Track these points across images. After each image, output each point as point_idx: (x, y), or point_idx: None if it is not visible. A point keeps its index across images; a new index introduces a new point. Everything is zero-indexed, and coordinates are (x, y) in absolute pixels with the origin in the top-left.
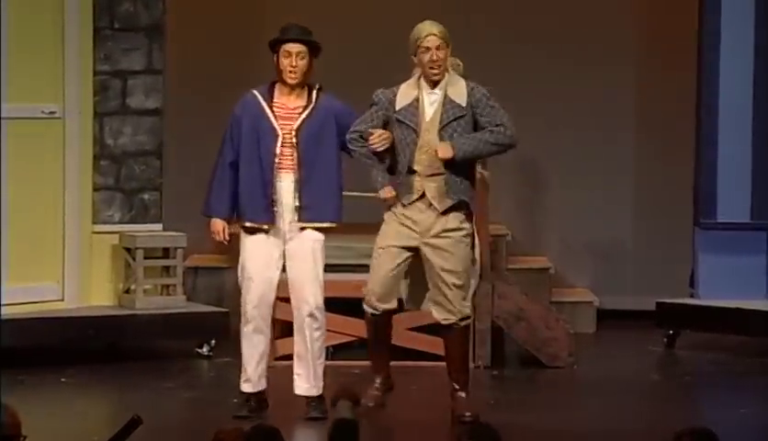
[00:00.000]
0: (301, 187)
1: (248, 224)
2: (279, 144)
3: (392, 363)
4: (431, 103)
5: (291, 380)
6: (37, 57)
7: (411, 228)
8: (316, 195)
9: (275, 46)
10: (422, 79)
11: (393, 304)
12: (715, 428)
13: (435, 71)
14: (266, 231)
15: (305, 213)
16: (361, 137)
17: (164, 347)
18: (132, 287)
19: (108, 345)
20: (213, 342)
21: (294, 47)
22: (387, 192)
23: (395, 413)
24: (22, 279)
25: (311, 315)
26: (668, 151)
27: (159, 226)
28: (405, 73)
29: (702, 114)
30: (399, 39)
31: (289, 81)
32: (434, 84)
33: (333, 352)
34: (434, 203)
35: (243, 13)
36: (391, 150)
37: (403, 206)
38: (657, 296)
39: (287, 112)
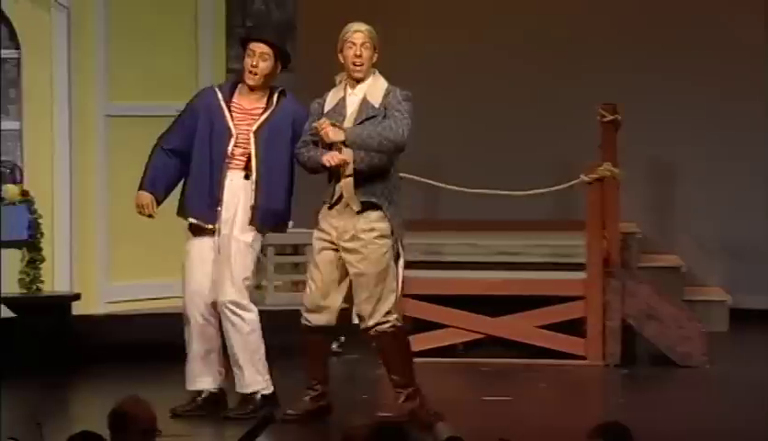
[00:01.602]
0: (258, 192)
1: (191, 221)
2: (232, 145)
3: (523, 361)
4: (351, 102)
5: (418, 376)
6: (171, 56)
7: (323, 238)
8: (270, 197)
9: (244, 44)
10: (346, 82)
11: (324, 320)
12: None
13: (358, 67)
14: (209, 232)
15: (259, 214)
16: (304, 144)
17: (294, 343)
18: (263, 283)
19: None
20: (342, 338)
21: (258, 47)
22: (333, 156)
23: (525, 412)
24: (155, 275)
25: (227, 308)
26: None
27: (289, 223)
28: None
29: None
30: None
31: (248, 81)
32: (355, 83)
33: (464, 349)
34: (350, 203)
35: (374, 11)
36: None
37: (328, 209)
38: None
39: (242, 112)
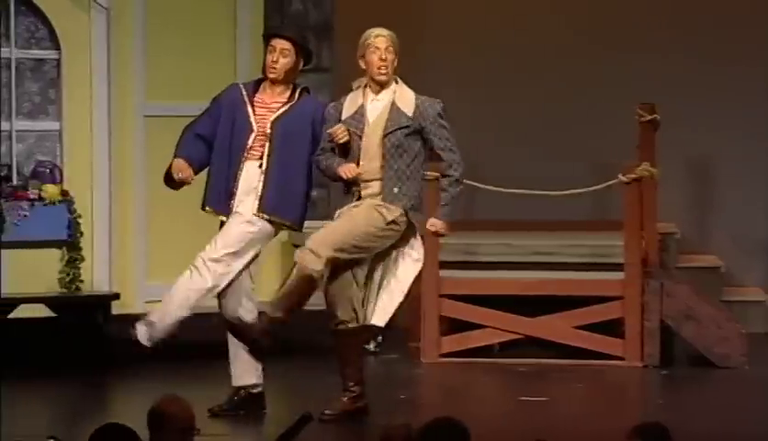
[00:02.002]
0: (267, 179)
1: (207, 209)
2: (252, 139)
3: (560, 361)
4: (374, 108)
5: (455, 376)
6: (209, 56)
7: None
8: (280, 190)
9: (266, 40)
10: (367, 87)
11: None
12: None
13: (383, 71)
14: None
15: (266, 204)
16: (322, 150)
17: (331, 343)
18: None
19: (277, 340)
20: (380, 338)
21: (279, 43)
22: (349, 169)
23: (562, 413)
24: None
25: (195, 262)
26: None
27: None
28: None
29: None
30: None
31: (269, 75)
32: (379, 89)
33: (500, 350)
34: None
35: (410, 11)
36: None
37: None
38: None
39: (263, 106)
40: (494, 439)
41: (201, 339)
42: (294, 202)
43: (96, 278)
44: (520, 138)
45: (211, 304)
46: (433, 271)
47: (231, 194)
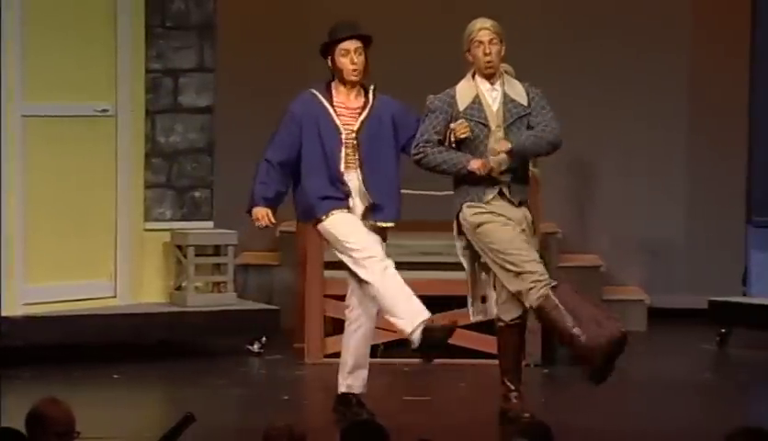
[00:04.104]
0: (365, 188)
1: (324, 218)
2: (343, 142)
3: (443, 361)
4: (493, 99)
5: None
6: (89, 55)
7: (511, 223)
8: (379, 195)
9: (328, 48)
10: (477, 76)
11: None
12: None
13: (490, 63)
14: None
15: (370, 214)
16: (427, 143)
17: (215, 345)
18: (183, 284)
19: (159, 342)
20: (264, 339)
21: (352, 44)
22: (483, 163)
23: (444, 412)
24: (75, 276)
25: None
26: (721, 147)
27: (210, 224)
28: (452, 74)
29: (754, 111)
30: (444, 38)
31: (353, 78)
32: (490, 80)
33: (384, 349)
34: (511, 197)
35: (292, 10)
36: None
37: (485, 203)
38: (709, 294)
39: (349, 112)
40: None
41: (80, 341)
42: (392, 201)
43: None
44: None
45: (94, 306)
46: (317, 271)
47: (345, 193)
